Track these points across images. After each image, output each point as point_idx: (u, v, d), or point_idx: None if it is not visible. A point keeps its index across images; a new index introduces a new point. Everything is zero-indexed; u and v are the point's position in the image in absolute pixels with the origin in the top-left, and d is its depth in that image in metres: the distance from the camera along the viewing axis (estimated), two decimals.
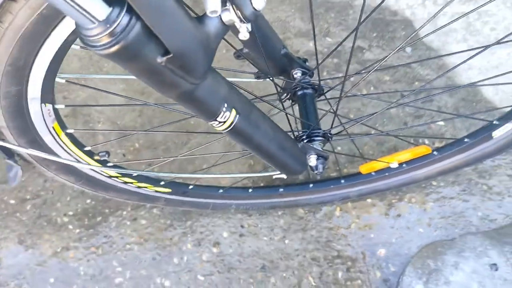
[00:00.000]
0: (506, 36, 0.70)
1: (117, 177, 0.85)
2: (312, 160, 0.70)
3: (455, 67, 0.79)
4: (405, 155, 0.96)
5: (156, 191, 0.95)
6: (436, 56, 1.24)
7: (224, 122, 0.50)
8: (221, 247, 1.14)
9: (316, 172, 0.71)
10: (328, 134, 0.73)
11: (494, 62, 1.21)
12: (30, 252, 1.19)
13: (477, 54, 0.73)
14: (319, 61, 0.81)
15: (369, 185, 1.06)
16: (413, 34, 0.77)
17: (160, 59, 0.41)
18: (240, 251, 1.13)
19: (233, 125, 0.51)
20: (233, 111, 0.50)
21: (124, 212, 1.20)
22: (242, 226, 1.16)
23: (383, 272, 1.07)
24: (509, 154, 1.12)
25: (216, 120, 0.50)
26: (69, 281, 1.15)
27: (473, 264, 1.03)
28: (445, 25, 0.74)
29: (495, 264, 1.02)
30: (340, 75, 1.24)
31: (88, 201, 1.22)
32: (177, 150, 1.23)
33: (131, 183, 0.89)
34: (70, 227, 1.20)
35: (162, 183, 0.94)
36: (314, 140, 0.72)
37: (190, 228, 1.17)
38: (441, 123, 1.18)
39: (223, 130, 0.52)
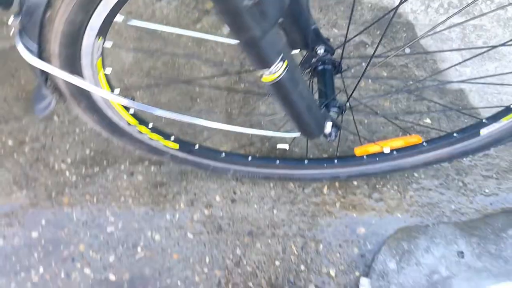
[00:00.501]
0: (509, 41, 0.79)
1: (135, 125, 0.89)
2: (328, 127, 0.77)
3: (447, 69, 0.88)
4: (399, 142, 1.04)
5: (165, 145, 1.00)
6: (436, 51, 1.34)
7: (275, 72, 0.56)
8: (212, 209, 1.20)
9: (328, 139, 0.78)
10: (343, 107, 0.80)
11: (483, 73, 1.31)
12: (24, 194, 1.21)
13: (478, 55, 0.81)
14: (343, 43, 0.88)
15: (359, 168, 1.14)
16: (417, 40, 0.85)
17: (247, 2, 0.46)
18: (230, 215, 1.20)
19: (280, 77, 0.57)
20: (285, 64, 0.56)
21: (122, 166, 1.24)
22: (234, 193, 1.22)
23: (360, 248, 1.16)
24: (485, 156, 1.23)
25: (269, 70, 0.56)
26: (61, 224, 1.18)
27: (442, 250, 1.13)
28: (442, 29, 0.82)
29: (462, 252, 1.13)
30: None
31: (88, 151, 1.25)
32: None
33: (146, 133, 0.93)
34: (67, 173, 1.23)
35: (172, 138, 0.99)
36: (330, 110, 0.79)
37: (184, 189, 1.22)
38: (428, 121, 1.28)
39: (270, 80, 0.58)
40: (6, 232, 1.18)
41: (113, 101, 0.79)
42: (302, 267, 1.15)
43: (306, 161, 1.15)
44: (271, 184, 1.22)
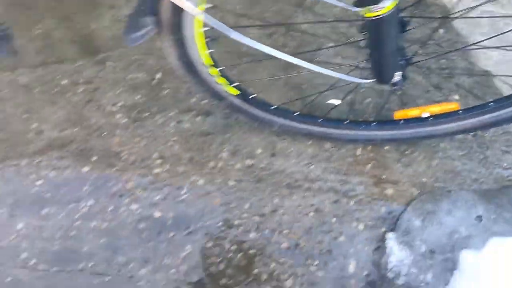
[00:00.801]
0: None
1: (208, 66, 0.97)
2: (397, 76, 0.85)
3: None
4: (437, 108, 1.14)
5: (227, 91, 1.07)
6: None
7: (383, 8, 0.64)
8: (254, 160, 1.29)
9: (394, 87, 0.86)
10: (409, 61, 0.88)
11: (508, 58, 1.42)
12: (77, 130, 1.28)
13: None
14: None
15: (394, 132, 1.24)
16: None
17: None
18: (270, 167, 1.28)
19: (384, 14, 0.65)
20: (393, 3, 0.64)
21: (171, 114, 1.31)
22: (274, 147, 1.31)
23: (387, 207, 1.26)
24: (506, 133, 1.34)
25: (379, 4, 0.64)
26: (110, 161, 1.25)
27: (463, 213, 1.24)
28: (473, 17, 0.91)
29: (480, 216, 1.24)
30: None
31: (139, 96, 1.32)
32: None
33: (215, 75, 1.01)
34: (118, 116, 1.30)
35: (235, 84, 1.07)
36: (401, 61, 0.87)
37: (228, 140, 1.30)
38: (456, 97, 1.38)
39: (374, 16, 0.65)
40: (58, 164, 1.24)
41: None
42: (334, 220, 1.24)
43: (346, 122, 1.24)
44: (309, 142, 1.31)
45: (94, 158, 1.25)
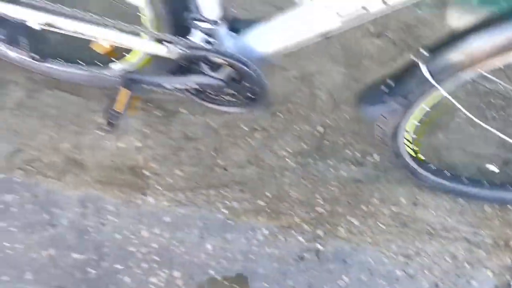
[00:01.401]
0: None
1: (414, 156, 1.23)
2: None
3: None
4: None
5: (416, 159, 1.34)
6: None
7: None
8: (399, 208, 1.52)
9: None
10: None
11: None
12: (254, 169, 1.54)
13: None
14: None
15: None
16: None
17: None
18: (412, 215, 1.51)
19: None
20: None
21: (330, 162, 1.57)
22: (416, 198, 1.54)
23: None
24: None
25: None
26: (280, 198, 1.50)
27: None
28: None
29: None
30: None
31: (304, 145, 1.58)
32: None
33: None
34: (287, 160, 1.56)
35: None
36: None
37: (377, 188, 1.54)
38: None
39: None
40: (239, 197, 1.50)
41: None
42: (467, 266, 1.46)
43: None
44: (446, 196, 1.54)
45: (268, 194, 1.51)
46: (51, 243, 1.37)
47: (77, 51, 1.36)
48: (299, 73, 1.68)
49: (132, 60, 1.31)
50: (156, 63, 1.29)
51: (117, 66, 1.35)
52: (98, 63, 1.38)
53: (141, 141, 1.53)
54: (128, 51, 1.25)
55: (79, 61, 1.40)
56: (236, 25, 1.11)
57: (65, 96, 1.55)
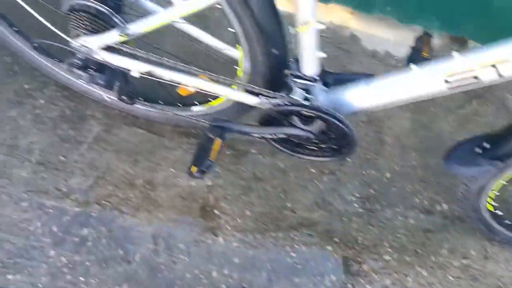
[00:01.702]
0: None
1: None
2: None
3: None
4: None
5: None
6: None
7: None
8: (469, 261, 1.50)
9: None
10: None
11: None
12: (322, 212, 1.54)
13: None
14: None
15: None
16: None
17: None
18: (483, 269, 1.49)
19: None
20: None
21: (398, 209, 1.56)
22: (486, 251, 1.52)
23: None
24: None
25: None
26: (348, 244, 1.50)
27: None
28: None
29: None
30: None
31: (372, 191, 1.58)
32: None
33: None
34: (355, 205, 1.56)
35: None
36: None
37: (446, 238, 1.53)
38: None
39: None
40: (308, 241, 1.50)
41: None
42: None
43: None
44: None
45: (336, 239, 1.51)
46: (125, 278, 1.39)
47: (156, 90, 1.39)
48: (367, 117, 1.69)
49: (214, 105, 1.34)
50: (236, 108, 1.32)
51: (198, 109, 1.38)
52: (178, 104, 1.42)
53: (212, 180, 1.55)
54: (214, 96, 1.27)
55: (160, 101, 1.43)
56: (326, 79, 1.13)
57: (140, 132, 1.60)
